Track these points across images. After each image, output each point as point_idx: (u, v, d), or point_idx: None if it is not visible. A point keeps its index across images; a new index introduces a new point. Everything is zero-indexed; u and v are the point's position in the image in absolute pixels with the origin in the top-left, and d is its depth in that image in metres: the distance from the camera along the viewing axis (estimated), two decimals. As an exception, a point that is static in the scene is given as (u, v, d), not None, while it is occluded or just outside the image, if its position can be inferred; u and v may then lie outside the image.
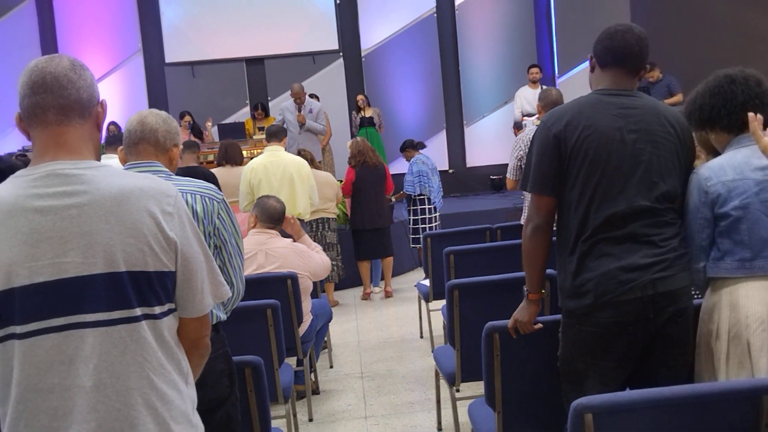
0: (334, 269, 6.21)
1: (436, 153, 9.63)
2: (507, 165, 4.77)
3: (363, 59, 10.75)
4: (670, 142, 2.22)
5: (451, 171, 10.83)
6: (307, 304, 3.97)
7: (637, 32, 2.26)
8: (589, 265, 2.18)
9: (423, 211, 6.97)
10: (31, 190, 1.42)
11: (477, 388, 3.15)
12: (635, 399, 1.74)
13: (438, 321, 4.85)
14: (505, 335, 2.48)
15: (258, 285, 3.55)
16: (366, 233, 6.56)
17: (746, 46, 7.68)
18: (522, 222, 4.62)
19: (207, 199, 2.23)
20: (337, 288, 6.75)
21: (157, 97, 10.59)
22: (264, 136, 6.07)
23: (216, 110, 10.26)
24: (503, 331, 2.48)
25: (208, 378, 1.96)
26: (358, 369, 4.79)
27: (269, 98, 10.57)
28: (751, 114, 2.12)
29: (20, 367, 1.39)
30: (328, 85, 10.50)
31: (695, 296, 2.34)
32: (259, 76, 10.79)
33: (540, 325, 2.43)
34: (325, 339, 4.71)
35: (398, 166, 9.20)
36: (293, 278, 3.66)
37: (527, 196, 4.11)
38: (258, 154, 6.62)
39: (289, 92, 8.14)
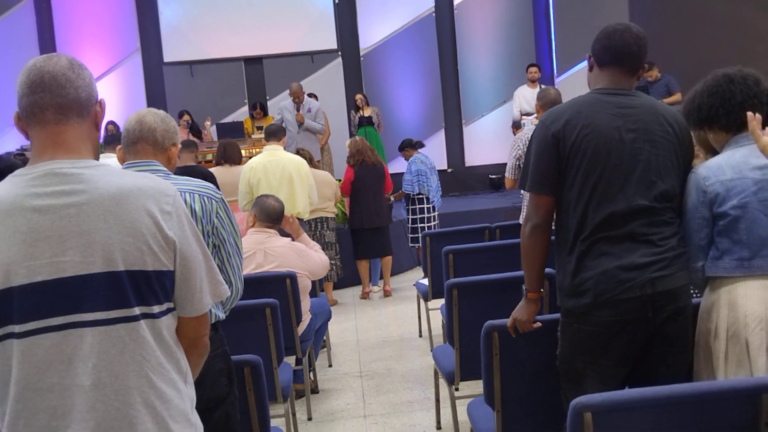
0: (332, 268, 6.22)
1: (435, 152, 9.63)
2: (506, 164, 4.77)
3: (362, 59, 10.75)
4: (669, 142, 2.23)
5: (449, 170, 10.82)
6: (305, 303, 3.97)
7: (635, 31, 2.26)
8: (588, 264, 2.18)
9: (422, 211, 6.97)
10: (29, 190, 1.42)
11: (476, 387, 3.15)
12: (634, 398, 1.75)
13: (437, 320, 4.85)
14: (504, 334, 2.48)
15: (257, 284, 3.55)
16: (365, 232, 6.56)
17: (745, 46, 7.70)
18: (521, 221, 4.62)
19: (205, 199, 2.23)
20: (336, 287, 6.75)
21: (155, 97, 10.57)
22: (263, 136, 6.07)
23: (214, 109, 10.25)
24: (502, 330, 2.48)
25: (206, 377, 1.96)
26: (357, 368, 4.79)
27: (268, 97, 10.56)
28: (749, 113, 2.12)
29: (19, 366, 1.39)
30: (327, 85, 10.49)
31: (694, 295, 2.34)
32: (257, 75, 10.78)
33: (539, 324, 2.43)
34: (324, 338, 4.71)
35: (397, 165, 9.19)
36: (292, 277, 3.66)
37: (526, 196, 4.12)
38: (256, 153, 6.61)
39: (287, 91, 8.14)
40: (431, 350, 3.92)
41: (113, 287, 1.42)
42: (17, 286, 1.38)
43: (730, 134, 2.28)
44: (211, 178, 4.89)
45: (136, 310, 1.44)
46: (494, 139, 10.50)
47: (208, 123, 9.59)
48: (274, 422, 2.91)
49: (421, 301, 5.12)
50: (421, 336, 5.35)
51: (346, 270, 6.65)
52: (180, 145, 2.40)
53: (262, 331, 3.22)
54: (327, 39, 10.68)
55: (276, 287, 3.61)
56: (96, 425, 1.40)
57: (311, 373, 4.35)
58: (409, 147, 7.21)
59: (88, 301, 1.40)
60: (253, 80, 10.79)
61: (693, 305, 2.27)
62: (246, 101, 10.69)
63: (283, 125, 7.30)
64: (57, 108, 1.46)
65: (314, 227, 6.20)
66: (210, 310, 1.86)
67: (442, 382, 3.48)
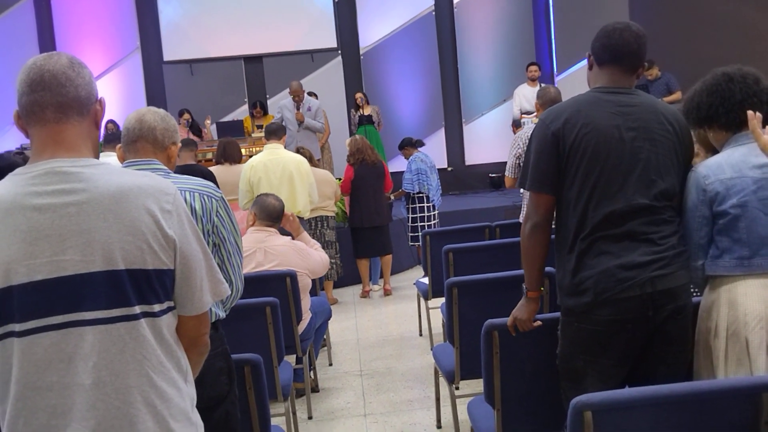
0: (332, 267, 6.22)
1: (435, 151, 9.64)
2: (506, 163, 4.77)
3: (361, 57, 10.74)
4: (669, 140, 2.22)
5: (449, 169, 10.82)
6: (306, 301, 3.97)
7: (635, 30, 2.26)
8: (588, 263, 2.18)
9: (422, 209, 6.97)
10: (29, 188, 1.42)
11: (476, 385, 3.15)
12: (634, 396, 1.75)
13: (437, 319, 4.85)
14: (505, 333, 2.48)
15: (257, 283, 3.55)
16: (365, 231, 6.56)
17: (745, 45, 7.69)
18: (521, 220, 4.62)
19: (206, 197, 2.23)
20: (336, 286, 6.75)
21: (155, 95, 10.57)
22: (263, 134, 6.06)
23: (214, 108, 10.25)
24: (502, 329, 2.48)
25: (207, 376, 1.96)
26: (358, 367, 4.79)
27: (268, 96, 10.56)
28: (750, 112, 2.12)
29: (19, 364, 1.39)
30: (327, 83, 10.49)
31: (694, 294, 2.34)
32: (257, 74, 10.78)
33: (539, 323, 2.43)
34: (324, 337, 4.72)
35: (397, 164, 9.19)
36: (292, 276, 3.66)
37: (526, 194, 4.11)
38: (257, 152, 6.61)
39: (287, 90, 8.14)
40: (431, 349, 3.93)
41: (113, 286, 1.42)
42: (17, 285, 1.38)
43: (730, 133, 2.28)
44: (211, 177, 4.90)
45: (137, 309, 1.44)
46: (494, 137, 10.51)
47: (208, 122, 9.59)
48: (274, 421, 2.91)
49: (422, 300, 5.12)
50: (421, 335, 5.35)
51: (347, 269, 6.64)
52: (180, 144, 2.39)
53: (263, 330, 3.22)
54: (327, 38, 10.68)
55: (276, 286, 3.61)
56: (96, 424, 1.41)
57: (311, 372, 4.35)
58: (409, 146, 7.21)
59: (88, 299, 1.40)
60: (253, 79, 10.79)
61: (693, 304, 2.27)
62: (246, 100, 10.69)
63: (283, 124, 7.30)
64: (57, 106, 1.46)
65: (314, 226, 6.20)
66: (210, 309, 1.86)
67: (443, 380, 3.48)
